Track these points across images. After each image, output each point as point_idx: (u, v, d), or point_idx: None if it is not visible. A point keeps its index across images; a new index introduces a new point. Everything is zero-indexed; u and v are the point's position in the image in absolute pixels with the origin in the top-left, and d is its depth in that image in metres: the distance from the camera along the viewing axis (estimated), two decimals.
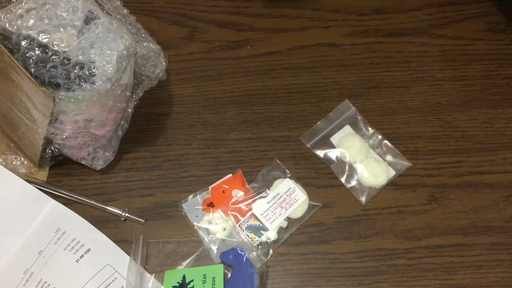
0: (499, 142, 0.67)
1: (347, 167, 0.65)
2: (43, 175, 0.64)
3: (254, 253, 0.58)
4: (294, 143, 0.66)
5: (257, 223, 0.61)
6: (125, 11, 0.61)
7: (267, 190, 0.63)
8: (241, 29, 0.74)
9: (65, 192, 0.62)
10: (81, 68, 0.53)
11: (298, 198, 0.62)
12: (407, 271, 0.59)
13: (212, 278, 0.56)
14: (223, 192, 0.63)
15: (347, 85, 0.70)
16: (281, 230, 0.61)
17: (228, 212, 0.61)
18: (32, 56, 0.52)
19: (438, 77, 0.71)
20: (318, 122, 0.67)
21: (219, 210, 0.61)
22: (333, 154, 0.65)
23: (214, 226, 0.60)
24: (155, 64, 0.61)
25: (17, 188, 0.61)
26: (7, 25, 0.53)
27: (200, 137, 0.67)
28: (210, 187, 0.63)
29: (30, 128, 0.58)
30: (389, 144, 0.66)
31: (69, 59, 0.52)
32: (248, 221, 0.61)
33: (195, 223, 0.61)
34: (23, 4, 0.54)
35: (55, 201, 0.61)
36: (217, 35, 0.74)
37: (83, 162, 0.62)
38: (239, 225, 0.60)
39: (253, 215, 0.61)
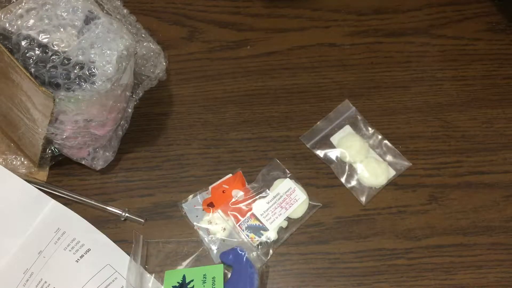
0: (499, 142, 0.67)
1: (347, 167, 0.65)
2: (43, 175, 0.64)
3: (254, 253, 0.58)
4: (294, 143, 0.66)
5: (257, 223, 0.61)
6: (125, 11, 0.61)
7: (267, 190, 0.63)
8: (241, 29, 0.74)
9: (65, 192, 0.62)
10: (81, 68, 0.53)
11: (298, 198, 0.62)
12: (407, 271, 0.59)
13: (212, 278, 0.56)
14: (223, 192, 0.63)
15: (347, 85, 0.70)
16: (281, 230, 0.61)
17: (228, 212, 0.61)
18: (32, 56, 0.52)
19: (438, 77, 0.71)
20: (318, 122, 0.67)
21: (219, 210, 0.61)
22: (333, 154, 0.65)
23: (214, 226, 0.60)
24: (155, 64, 0.61)
25: (17, 188, 0.61)
26: (7, 25, 0.53)
27: (200, 137, 0.67)
28: (210, 187, 0.63)
29: (30, 128, 0.58)
30: (389, 144, 0.66)
31: (69, 59, 0.52)
32: (248, 221, 0.61)
33: (195, 223, 0.61)
34: (23, 4, 0.54)
35: (55, 201, 0.61)
36: (217, 35, 0.74)
37: (83, 162, 0.62)
38: (239, 225, 0.60)
39: (253, 215, 0.61)
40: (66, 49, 0.53)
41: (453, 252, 0.60)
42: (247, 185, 0.63)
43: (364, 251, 0.60)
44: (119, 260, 0.58)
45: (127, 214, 0.61)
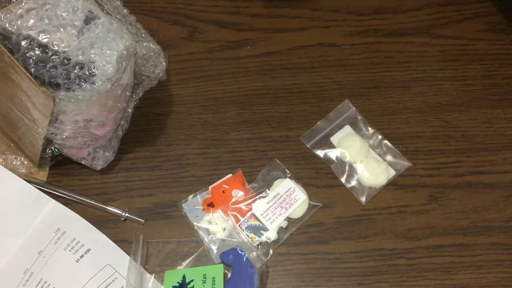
0: (499, 142, 0.67)
1: (347, 167, 0.65)
2: (43, 175, 0.64)
3: (254, 253, 0.58)
4: (294, 143, 0.66)
5: (257, 223, 0.61)
6: (125, 11, 0.61)
7: (267, 190, 0.63)
8: (241, 29, 0.74)
9: (65, 192, 0.62)
10: (81, 68, 0.53)
11: (298, 198, 0.62)
12: (407, 271, 0.59)
13: (212, 278, 0.56)
14: (223, 192, 0.63)
15: (347, 85, 0.70)
16: (281, 230, 0.61)
17: (228, 212, 0.61)
18: (32, 56, 0.52)
19: (438, 77, 0.71)
20: (318, 122, 0.67)
21: (219, 210, 0.61)
22: (333, 154, 0.65)
23: (214, 226, 0.60)
24: (155, 64, 0.61)
25: (17, 188, 0.61)
26: (7, 25, 0.53)
27: (200, 137, 0.67)
28: (210, 187, 0.63)
29: (30, 128, 0.58)
30: (389, 144, 0.66)
31: (69, 59, 0.52)
32: (248, 221, 0.61)
33: (195, 223, 0.61)
34: (23, 4, 0.54)
35: (55, 201, 0.61)
36: (217, 35, 0.74)
37: (83, 162, 0.62)
38: (239, 225, 0.60)
39: (253, 215, 0.61)
40: (66, 49, 0.53)
41: (453, 252, 0.60)
42: (247, 185, 0.63)
43: (364, 251, 0.60)
44: (119, 260, 0.58)
45: (127, 214, 0.61)
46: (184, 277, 0.57)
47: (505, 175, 0.64)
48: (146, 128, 0.67)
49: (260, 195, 0.62)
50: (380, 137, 0.66)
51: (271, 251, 0.60)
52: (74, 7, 0.54)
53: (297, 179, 0.64)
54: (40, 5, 0.54)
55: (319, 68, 0.71)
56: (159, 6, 0.76)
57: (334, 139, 0.66)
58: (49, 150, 0.60)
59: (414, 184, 0.64)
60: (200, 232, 0.60)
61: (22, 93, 0.55)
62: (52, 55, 0.52)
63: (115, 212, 0.61)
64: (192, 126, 0.68)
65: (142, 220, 0.61)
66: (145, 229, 0.61)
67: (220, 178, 0.64)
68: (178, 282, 0.57)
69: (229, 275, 0.58)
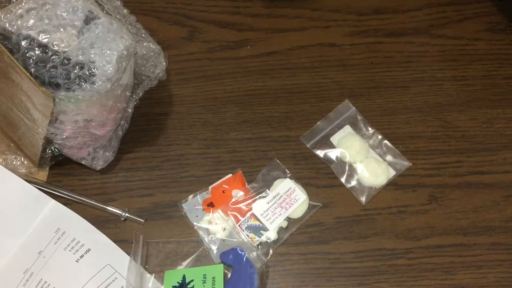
0: (499, 142, 0.67)
1: (347, 167, 0.65)
2: (43, 175, 0.64)
3: (254, 253, 0.58)
4: (294, 143, 0.66)
5: (257, 223, 0.61)
6: (125, 11, 0.61)
7: (267, 190, 0.63)
8: (241, 29, 0.74)
9: (65, 192, 0.62)
10: (81, 68, 0.53)
11: (298, 198, 0.62)
12: (407, 271, 0.59)
13: (212, 278, 0.56)
14: (223, 192, 0.63)
15: (347, 85, 0.70)
16: (281, 230, 0.61)
17: (228, 212, 0.61)
18: (32, 56, 0.52)
19: (438, 77, 0.71)
20: (318, 122, 0.67)
21: (219, 210, 0.61)
22: (333, 154, 0.65)
23: (214, 226, 0.60)
24: (155, 64, 0.61)
25: (17, 188, 0.61)
26: (7, 25, 0.53)
27: (200, 137, 0.67)
28: (210, 187, 0.63)
29: (30, 128, 0.58)
30: (389, 144, 0.66)
31: (69, 59, 0.52)
32: (248, 221, 0.61)
33: (195, 223, 0.61)
34: (23, 4, 0.54)
35: (55, 201, 0.61)
36: (217, 35, 0.74)
37: (83, 162, 0.62)
38: (239, 225, 0.60)
39: (253, 215, 0.61)
40: (66, 49, 0.53)
41: (453, 252, 0.60)
42: (247, 185, 0.63)
43: (364, 251, 0.60)
44: (119, 260, 0.58)
45: (127, 214, 0.61)
46: (184, 277, 0.57)
47: (505, 175, 0.64)
48: (146, 128, 0.67)
49: (260, 195, 0.62)
50: (380, 137, 0.66)
51: (271, 251, 0.60)
52: (74, 7, 0.54)
53: (297, 179, 0.64)
54: (40, 5, 0.54)
55: (319, 68, 0.71)
56: (159, 6, 0.76)
57: (334, 139, 0.66)
58: (49, 150, 0.60)
59: (414, 184, 0.64)
60: (200, 232, 0.60)
61: (22, 93, 0.55)
62: (52, 55, 0.52)
63: (115, 212, 0.61)
64: (192, 126, 0.68)
65: (142, 220, 0.61)
66: (145, 229, 0.61)
67: (220, 178, 0.64)
68: (178, 282, 0.57)
69: (229, 275, 0.58)
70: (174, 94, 0.70)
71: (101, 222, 0.61)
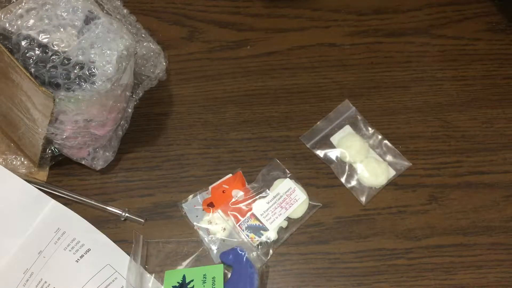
0: (499, 142, 0.67)
1: (347, 167, 0.65)
2: (43, 175, 0.64)
3: (254, 253, 0.58)
4: (294, 143, 0.66)
5: (257, 223, 0.61)
6: (125, 11, 0.61)
7: (267, 190, 0.63)
8: (241, 29, 0.74)
9: (65, 192, 0.62)
10: (81, 68, 0.53)
11: (298, 198, 0.62)
12: (407, 271, 0.59)
13: (212, 278, 0.56)
14: (223, 192, 0.63)
15: (347, 85, 0.70)
16: (281, 230, 0.61)
17: (228, 212, 0.61)
18: (32, 56, 0.52)
19: (438, 77, 0.71)
20: (318, 122, 0.67)
21: (219, 210, 0.61)
22: (333, 154, 0.65)
23: (214, 226, 0.60)
24: (155, 64, 0.61)
25: (17, 188, 0.61)
26: (7, 25, 0.53)
27: (200, 137, 0.67)
28: (210, 187, 0.63)
29: (30, 128, 0.58)
30: (389, 144, 0.66)
31: (69, 59, 0.52)
32: (248, 221, 0.61)
33: (195, 223, 0.61)
34: (23, 4, 0.54)
35: (55, 201, 0.61)
36: (217, 35, 0.74)
37: (83, 162, 0.62)
38: (239, 225, 0.60)
39: (253, 215, 0.61)
40: (66, 49, 0.53)
41: (453, 252, 0.60)
42: (247, 185, 0.63)
43: (364, 251, 0.60)
44: (119, 260, 0.58)
45: (127, 214, 0.61)
46: (184, 277, 0.57)
47: (505, 175, 0.64)
48: (146, 128, 0.67)
49: (260, 195, 0.62)
50: (380, 137, 0.66)
51: (271, 251, 0.60)
52: (74, 7, 0.54)
53: (297, 179, 0.64)
54: (40, 5, 0.54)
55: (319, 68, 0.71)
56: (159, 6, 0.76)
57: (334, 139, 0.66)
58: (49, 150, 0.60)
59: (414, 184, 0.64)
60: (200, 232, 0.60)
61: (22, 93, 0.55)
62: (52, 55, 0.52)
63: (115, 212, 0.61)
64: (192, 126, 0.68)
65: (142, 220, 0.61)
66: (145, 229, 0.61)
67: (220, 178, 0.64)
68: (178, 282, 0.57)
69: (229, 275, 0.58)
70: (174, 94, 0.70)
71: (101, 222, 0.61)
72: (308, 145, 0.66)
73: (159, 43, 0.62)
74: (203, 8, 0.76)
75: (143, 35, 0.61)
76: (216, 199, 0.62)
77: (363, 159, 0.64)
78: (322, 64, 0.72)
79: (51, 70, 0.52)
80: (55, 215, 0.61)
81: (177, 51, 0.72)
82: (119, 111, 0.59)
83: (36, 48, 0.52)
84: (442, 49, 0.73)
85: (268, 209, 0.61)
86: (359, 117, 0.67)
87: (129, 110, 0.62)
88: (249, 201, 0.62)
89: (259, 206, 0.61)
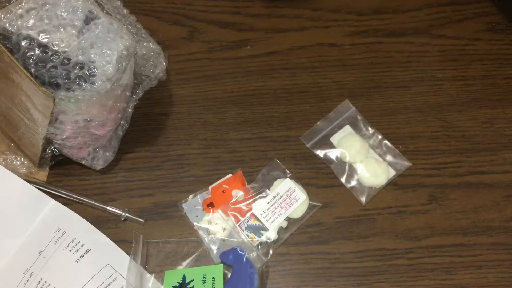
0: (499, 142, 0.67)
1: (347, 167, 0.65)
2: (43, 175, 0.64)
3: (254, 253, 0.58)
4: (294, 143, 0.66)
5: (257, 223, 0.61)
6: (125, 11, 0.61)
7: (267, 190, 0.63)
8: (241, 29, 0.74)
9: (65, 192, 0.62)
10: (81, 68, 0.53)
11: (298, 198, 0.62)
12: (407, 271, 0.59)
13: (212, 278, 0.56)
14: (223, 192, 0.63)
15: (347, 85, 0.70)
16: (281, 230, 0.61)
17: (228, 212, 0.61)
18: (32, 56, 0.52)
19: (438, 77, 0.71)
20: (318, 122, 0.67)
21: (219, 210, 0.61)
22: (333, 154, 0.65)
23: (214, 226, 0.60)
24: (155, 64, 0.61)
25: (17, 188, 0.61)
26: (7, 25, 0.53)
27: (200, 137, 0.67)
28: (210, 187, 0.63)
29: (30, 128, 0.58)
30: (389, 144, 0.66)
31: (69, 59, 0.52)
32: (248, 221, 0.61)
33: (195, 223, 0.61)
34: (23, 4, 0.54)
35: (55, 201, 0.61)
36: (217, 35, 0.74)
37: (83, 162, 0.62)
38: (239, 225, 0.60)
39: (253, 215, 0.61)
40: (66, 49, 0.53)
41: (453, 252, 0.60)
42: (247, 185, 0.63)
43: (364, 251, 0.60)
44: (119, 260, 0.58)
45: (127, 214, 0.61)
46: (184, 277, 0.57)
47: (505, 175, 0.64)
48: (146, 128, 0.67)
49: (260, 195, 0.62)
50: (380, 137, 0.66)
51: (271, 251, 0.60)
52: (74, 7, 0.54)
53: (297, 179, 0.64)
54: (40, 5, 0.54)
55: (319, 68, 0.71)
56: (159, 6, 0.76)
57: (334, 139, 0.66)
58: (49, 150, 0.60)
59: (414, 184, 0.64)
60: (200, 232, 0.60)
61: (22, 93, 0.55)
62: (52, 55, 0.52)
63: (115, 212, 0.61)
64: (192, 126, 0.68)
65: (142, 220, 0.61)
66: (145, 229, 0.61)
67: (220, 178, 0.64)
68: (178, 282, 0.57)
69: (229, 275, 0.58)
70: (174, 94, 0.70)
71: (101, 222, 0.61)
72: (308, 145, 0.66)
73: (159, 43, 0.62)
74: (203, 8, 0.76)
75: (143, 35, 0.61)
76: (216, 199, 0.62)
77: (363, 159, 0.64)
78: (322, 64, 0.72)
79: (51, 70, 0.52)
80: (55, 215, 0.61)
81: (177, 51, 0.72)
82: (119, 111, 0.59)
83: (36, 48, 0.52)
84: (442, 49, 0.73)
85: (268, 209, 0.61)
86: (359, 117, 0.67)
87: (129, 110, 0.62)
88: (249, 201, 0.62)
89: (259, 206, 0.61)
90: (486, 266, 0.59)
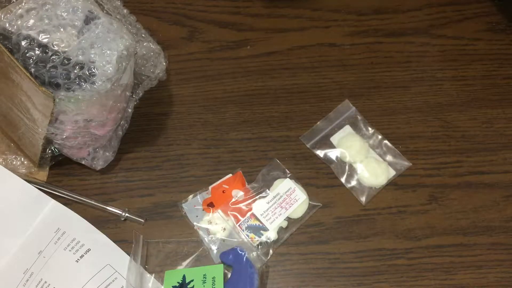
0: (499, 142, 0.67)
1: (347, 167, 0.65)
2: (43, 175, 0.64)
3: (254, 253, 0.58)
4: (294, 143, 0.66)
5: (257, 223, 0.61)
6: (125, 11, 0.61)
7: (267, 190, 0.63)
8: (241, 29, 0.74)
9: (65, 192, 0.62)
10: (81, 68, 0.53)
11: (298, 198, 0.62)
12: (407, 271, 0.59)
13: (212, 278, 0.56)
14: (223, 192, 0.63)
15: (347, 85, 0.70)
16: (281, 230, 0.61)
17: (228, 212, 0.61)
18: (32, 56, 0.52)
19: (438, 77, 0.71)
20: (318, 122, 0.67)
21: (219, 210, 0.61)
22: (333, 154, 0.65)
23: (214, 226, 0.60)
24: (155, 64, 0.61)
25: (17, 188, 0.61)
26: (7, 25, 0.53)
27: (200, 137, 0.67)
28: (210, 187, 0.63)
29: (30, 128, 0.58)
30: (389, 144, 0.66)
31: (69, 59, 0.52)
32: (248, 221, 0.61)
33: (195, 223, 0.61)
34: (23, 4, 0.54)
35: (55, 201, 0.61)
36: (217, 35, 0.74)
37: (83, 162, 0.62)
38: (239, 225, 0.60)
39: (253, 215, 0.61)
40: (66, 49, 0.53)
41: (453, 252, 0.60)
42: (247, 185, 0.63)
43: (364, 251, 0.60)
44: (119, 260, 0.58)
45: (127, 214, 0.61)
46: (184, 277, 0.57)
47: (505, 175, 0.64)
48: (146, 128, 0.67)
49: (260, 195, 0.62)
50: (380, 137, 0.66)
51: (271, 251, 0.60)
52: (74, 7, 0.54)
53: (297, 179, 0.64)
54: (40, 5, 0.54)
55: (319, 68, 0.71)
56: (159, 6, 0.76)
57: (334, 139, 0.66)
58: (49, 150, 0.60)
59: (414, 184, 0.64)
60: (200, 232, 0.60)
61: (22, 93, 0.55)
62: (52, 55, 0.52)
63: (115, 212, 0.62)
64: (192, 126, 0.68)
65: (142, 220, 0.61)
66: (145, 229, 0.61)
67: (220, 178, 0.64)
68: (178, 282, 0.57)
69: (229, 275, 0.58)
70: (174, 94, 0.70)
71: (101, 222, 0.61)
72: (308, 145, 0.66)
73: (159, 43, 0.62)
74: (203, 8, 0.76)
75: (143, 35, 0.61)
76: (216, 199, 0.62)
77: (363, 159, 0.64)
78: (322, 64, 0.72)
79: (51, 70, 0.52)
80: (55, 215, 0.61)
81: (177, 51, 0.72)
82: (119, 111, 0.59)
83: (36, 48, 0.52)
84: (442, 49, 0.73)
85: (268, 209, 0.61)
86: (359, 117, 0.67)
87: (129, 110, 0.62)
88: (249, 201, 0.62)
89: (259, 206, 0.61)
90: (486, 266, 0.59)
